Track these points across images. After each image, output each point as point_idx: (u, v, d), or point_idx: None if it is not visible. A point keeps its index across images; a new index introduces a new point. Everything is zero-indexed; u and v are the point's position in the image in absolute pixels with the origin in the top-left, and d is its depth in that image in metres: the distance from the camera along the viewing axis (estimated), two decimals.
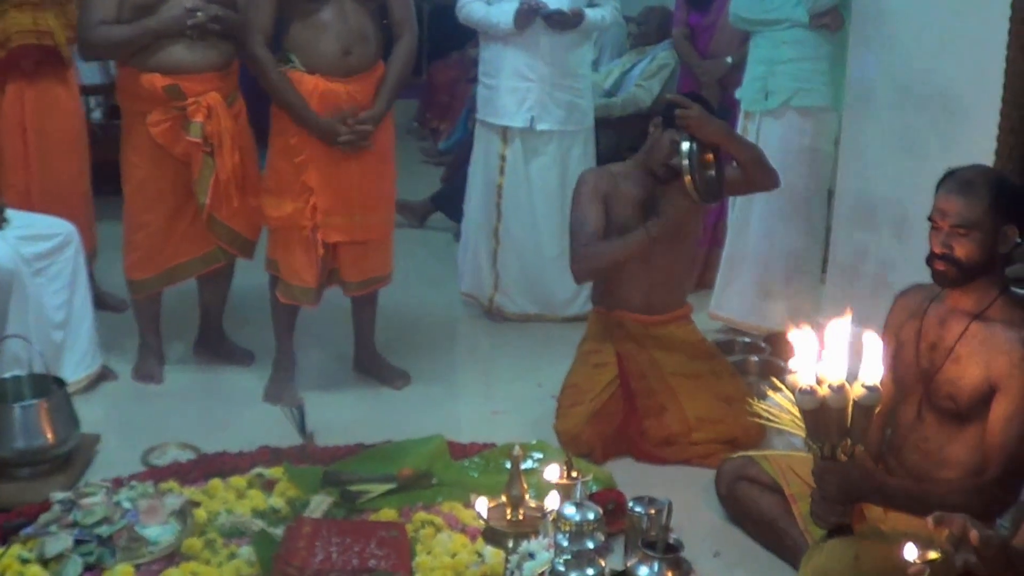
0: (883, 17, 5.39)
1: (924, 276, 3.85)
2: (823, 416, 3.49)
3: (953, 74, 4.91)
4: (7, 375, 4.88)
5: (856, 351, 3.57)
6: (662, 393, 5.05)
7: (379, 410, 5.45)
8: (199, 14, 5.17)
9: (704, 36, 7.37)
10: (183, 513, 4.26)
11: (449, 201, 8.02)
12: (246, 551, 4.11)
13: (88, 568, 3.97)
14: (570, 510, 3.36)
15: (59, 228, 5.35)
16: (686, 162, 4.78)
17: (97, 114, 8.64)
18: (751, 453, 4.54)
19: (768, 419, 3.88)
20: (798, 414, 3.61)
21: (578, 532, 3.33)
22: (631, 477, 4.75)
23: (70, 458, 4.71)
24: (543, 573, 3.36)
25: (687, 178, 4.79)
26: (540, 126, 6.43)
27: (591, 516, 3.35)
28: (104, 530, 4.08)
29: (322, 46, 5.14)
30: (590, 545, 3.33)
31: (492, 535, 3.73)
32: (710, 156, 4.92)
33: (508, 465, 3.78)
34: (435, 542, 4.17)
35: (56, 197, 5.81)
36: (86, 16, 5.21)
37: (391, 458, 4.75)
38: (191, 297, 5.93)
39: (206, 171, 5.29)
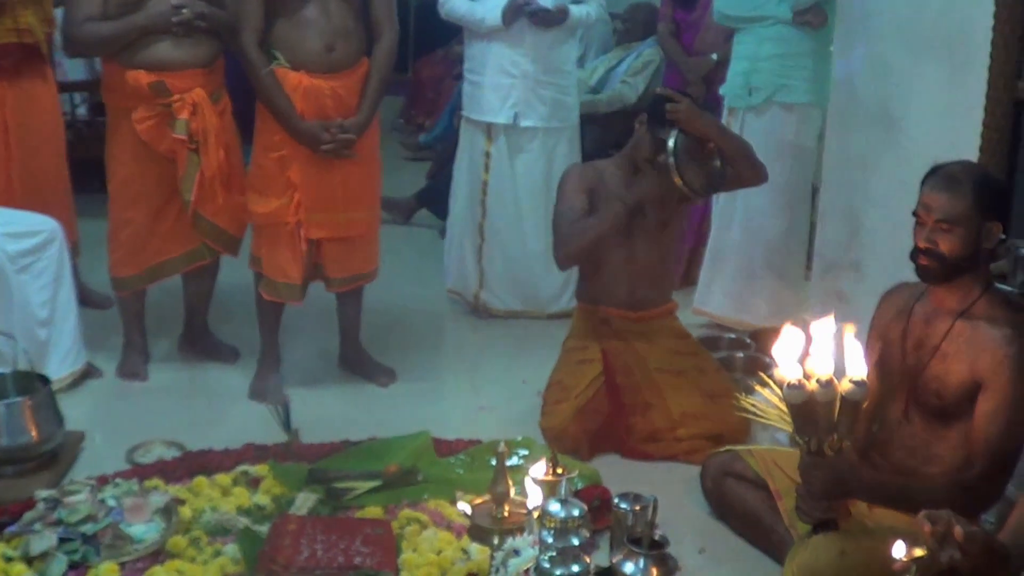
0: (867, 14, 5.39)
1: (909, 273, 3.86)
2: (810, 411, 3.50)
3: (937, 71, 4.91)
4: None
5: (843, 346, 3.58)
6: (647, 389, 5.06)
7: (364, 407, 5.45)
8: (185, 10, 5.15)
9: (689, 33, 7.38)
10: (168, 511, 4.25)
11: (434, 198, 8.02)
12: (231, 549, 4.10)
13: (73, 566, 3.95)
14: (555, 507, 3.36)
15: (43, 225, 5.33)
16: (672, 159, 4.79)
17: (82, 110, 8.63)
18: (736, 448, 4.54)
19: (755, 414, 3.88)
20: (785, 409, 3.62)
21: (563, 529, 3.33)
22: (617, 473, 4.75)
23: (55, 456, 4.70)
24: (528, 570, 3.37)
25: (675, 176, 4.81)
26: (524, 123, 6.42)
27: (576, 513, 3.35)
28: (89, 528, 4.07)
29: (306, 42, 5.14)
30: (575, 542, 3.33)
31: (478, 532, 3.74)
32: (711, 147, 4.93)
33: (494, 462, 3.78)
34: (421, 539, 4.17)
35: (37, 193, 5.79)
36: (72, 12, 5.20)
37: (377, 455, 4.75)
38: (176, 294, 5.92)
39: (191, 168, 5.28)
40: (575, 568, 3.30)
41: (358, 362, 5.79)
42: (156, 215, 5.45)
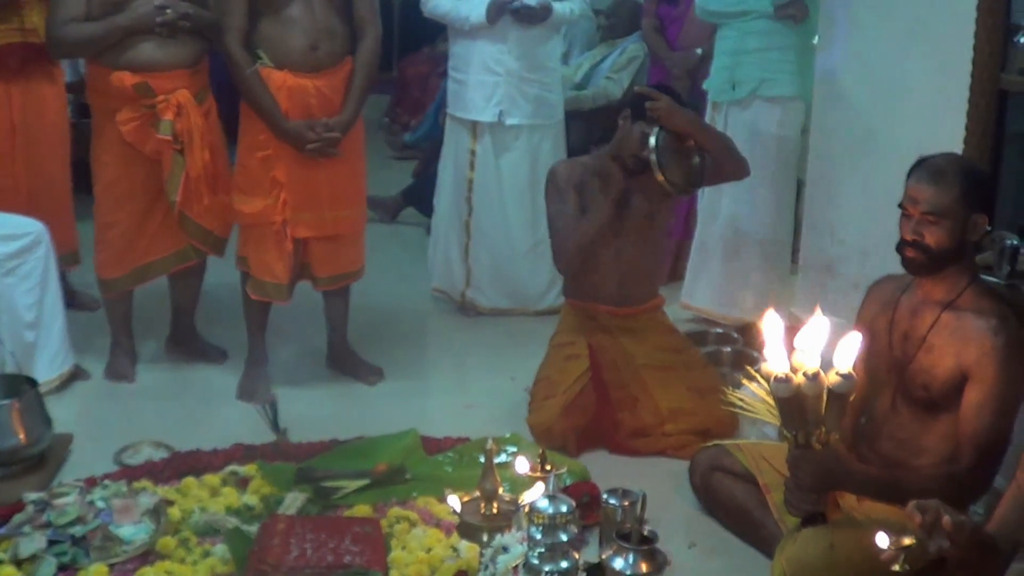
0: (850, 7, 5.40)
1: (895, 265, 3.87)
2: (798, 404, 3.50)
3: (921, 64, 4.92)
4: None
5: (830, 340, 3.58)
6: (634, 385, 5.06)
7: (352, 406, 5.45)
8: (169, 11, 5.14)
9: (673, 28, 7.38)
10: (157, 512, 4.24)
11: (420, 196, 8.02)
12: (220, 549, 4.10)
13: (62, 568, 3.95)
14: (543, 503, 3.36)
15: (29, 228, 5.32)
16: (654, 155, 4.81)
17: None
18: (724, 443, 4.55)
19: (743, 408, 3.88)
20: (773, 403, 3.62)
21: (551, 525, 3.33)
22: (605, 469, 4.75)
23: (43, 458, 4.69)
24: (517, 566, 3.37)
25: (657, 172, 4.82)
26: (509, 120, 6.42)
27: (564, 509, 3.35)
28: (78, 530, 4.07)
29: (290, 41, 5.14)
30: (564, 538, 3.33)
31: (466, 529, 3.74)
32: (691, 143, 4.94)
33: (482, 459, 3.78)
34: (410, 537, 4.18)
35: (44, 196, 5.81)
36: (55, 14, 5.19)
37: (365, 454, 4.76)
38: (163, 295, 5.91)
39: (176, 169, 5.27)
40: (564, 564, 3.31)
41: (346, 361, 5.79)
42: (142, 216, 5.44)
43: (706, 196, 6.36)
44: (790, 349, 3.52)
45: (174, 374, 5.75)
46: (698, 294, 6.45)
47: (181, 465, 4.72)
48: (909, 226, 3.75)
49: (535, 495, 3.57)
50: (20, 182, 5.80)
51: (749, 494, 4.29)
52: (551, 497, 3.37)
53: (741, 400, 3.92)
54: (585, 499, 4.32)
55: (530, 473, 3.85)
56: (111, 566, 3.99)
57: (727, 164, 5.09)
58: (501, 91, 6.39)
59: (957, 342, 3.74)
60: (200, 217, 5.39)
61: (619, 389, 5.07)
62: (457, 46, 6.54)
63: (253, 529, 4.21)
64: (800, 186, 6.23)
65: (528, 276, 6.46)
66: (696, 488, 4.56)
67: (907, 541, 3.01)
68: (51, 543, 4.00)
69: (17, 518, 4.14)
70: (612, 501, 4.12)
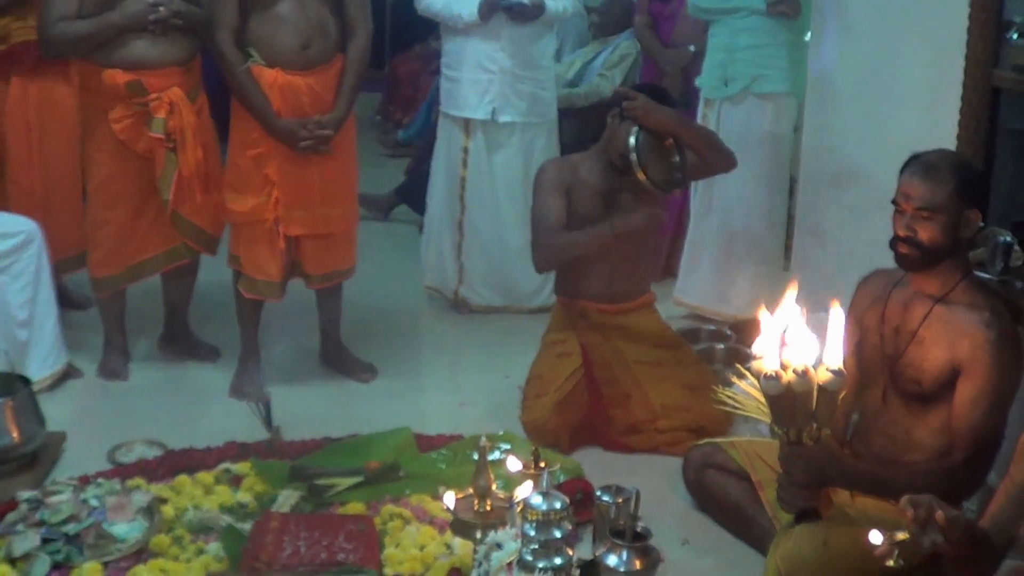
0: (843, 4, 5.40)
1: (888, 262, 3.88)
2: (788, 401, 3.49)
3: (913, 60, 4.92)
4: None
5: (820, 336, 3.58)
6: (626, 381, 5.07)
7: (346, 403, 5.46)
8: (161, 9, 5.14)
9: (666, 25, 7.38)
10: (150, 510, 4.24)
11: (413, 194, 8.01)
12: (214, 547, 4.10)
13: (56, 566, 3.95)
14: (536, 499, 3.36)
15: (21, 226, 5.31)
16: (634, 155, 4.82)
17: None
18: (718, 440, 4.55)
19: (734, 406, 3.88)
20: (763, 400, 3.62)
21: (545, 522, 3.33)
22: (599, 466, 4.76)
23: (36, 457, 4.68)
24: (511, 563, 3.37)
25: (638, 172, 4.83)
26: (502, 118, 6.43)
27: (558, 505, 3.35)
28: (71, 528, 4.07)
29: (281, 39, 5.14)
30: (557, 534, 3.33)
31: (460, 527, 3.74)
32: (669, 142, 4.95)
33: (475, 457, 3.78)
34: (403, 534, 4.18)
35: (57, 195, 5.80)
36: (47, 12, 5.16)
37: (358, 451, 4.76)
38: (156, 293, 5.90)
39: (169, 167, 5.27)
40: (557, 561, 3.31)
41: (339, 359, 5.79)
42: (135, 215, 5.43)
43: (699, 193, 6.37)
44: (782, 345, 3.52)
45: (167, 372, 5.75)
46: (691, 291, 6.47)
47: (174, 463, 4.72)
48: (902, 222, 3.76)
49: (527, 491, 3.58)
50: (35, 180, 5.80)
51: (743, 491, 4.30)
52: (544, 494, 3.37)
53: (732, 398, 3.92)
54: (579, 496, 4.32)
55: (523, 470, 3.86)
56: (105, 564, 3.98)
57: (712, 158, 5.10)
58: (494, 89, 6.40)
59: (949, 335, 3.74)
60: (193, 215, 5.39)
61: (611, 386, 5.08)
62: (450, 44, 6.54)
63: (247, 527, 4.21)
64: (793, 183, 6.23)
65: (521, 274, 6.45)
66: (689, 485, 4.57)
67: (900, 536, 3.01)
68: (45, 541, 4.00)
69: (10, 517, 4.14)
70: (605, 498, 4.12)
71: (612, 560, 3.77)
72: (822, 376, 3.46)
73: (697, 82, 6.45)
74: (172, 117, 5.21)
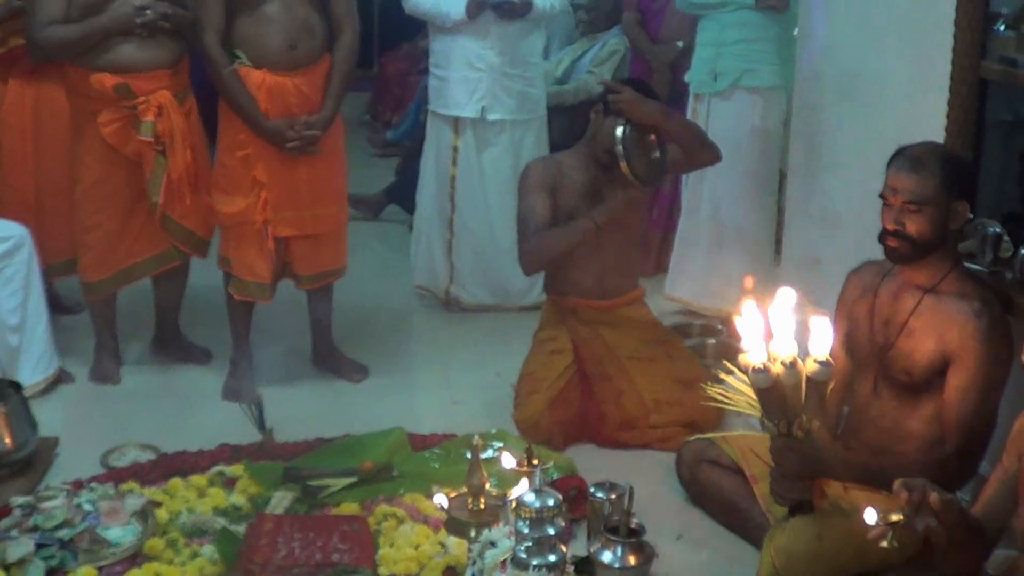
0: None
1: (877, 253, 3.88)
2: (777, 394, 3.50)
3: (901, 53, 4.92)
4: None
5: (807, 328, 3.58)
6: (618, 377, 5.07)
7: (338, 404, 5.45)
8: (148, 11, 5.13)
9: (654, 21, 7.37)
10: (144, 514, 4.24)
11: (403, 193, 8.00)
12: (208, 550, 4.09)
13: (50, 572, 3.94)
14: (530, 497, 3.36)
15: (11, 231, 5.30)
16: (620, 148, 4.82)
17: None
18: (711, 436, 4.56)
19: (723, 401, 3.88)
20: (752, 394, 3.62)
21: (538, 519, 3.34)
22: (592, 463, 4.76)
23: (29, 462, 4.68)
24: (505, 561, 3.37)
25: (622, 165, 4.83)
26: (492, 116, 6.42)
27: (551, 502, 3.36)
28: (65, 533, 4.07)
29: (268, 40, 5.14)
30: (551, 531, 3.34)
31: (454, 525, 3.74)
32: (653, 138, 4.95)
33: (469, 455, 3.79)
34: (398, 534, 4.17)
35: (52, 199, 5.76)
36: (34, 16, 5.15)
37: (351, 452, 4.74)
38: (146, 297, 5.90)
39: (158, 170, 5.26)
40: (552, 558, 3.31)
41: (331, 359, 5.79)
42: (124, 218, 5.43)
43: (689, 188, 6.38)
44: (768, 338, 3.52)
45: (159, 375, 5.74)
46: (681, 286, 6.47)
47: (168, 466, 4.71)
48: (890, 216, 3.77)
49: (523, 489, 3.58)
50: (28, 185, 5.78)
51: (736, 485, 4.30)
52: (537, 491, 3.38)
53: (721, 392, 3.93)
54: (573, 493, 4.32)
55: (517, 468, 3.86)
56: (99, 569, 3.98)
57: (697, 152, 5.10)
58: (483, 86, 6.40)
59: (939, 326, 3.76)
60: (182, 218, 5.39)
61: (603, 382, 5.08)
62: (438, 42, 6.53)
63: (241, 529, 4.21)
64: (782, 177, 6.24)
65: (512, 272, 6.40)
66: (683, 480, 4.57)
67: (895, 517, 3.02)
68: (39, 547, 3.98)
69: (4, 523, 4.13)
70: (599, 494, 4.13)
71: (607, 556, 3.77)
72: (810, 367, 3.46)
73: (686, 77, 6.45)
74: (161, 120, 5.20)
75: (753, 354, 3.48)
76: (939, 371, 3.78)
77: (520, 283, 6.49)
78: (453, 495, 3.76)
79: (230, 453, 4.81)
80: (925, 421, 3.85)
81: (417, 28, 9.22)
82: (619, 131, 4.85)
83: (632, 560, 3.79)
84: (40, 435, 4.75)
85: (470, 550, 3.59)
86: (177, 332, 5.92)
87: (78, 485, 4.47)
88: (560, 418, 4.99)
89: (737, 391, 3.78)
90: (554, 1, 6.45)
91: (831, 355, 3.44)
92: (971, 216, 3.95)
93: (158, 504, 4.37)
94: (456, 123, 6.48)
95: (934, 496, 2.97)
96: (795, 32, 5.92)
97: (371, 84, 11.61)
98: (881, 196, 3.81)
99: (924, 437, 3.85)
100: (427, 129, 6.74)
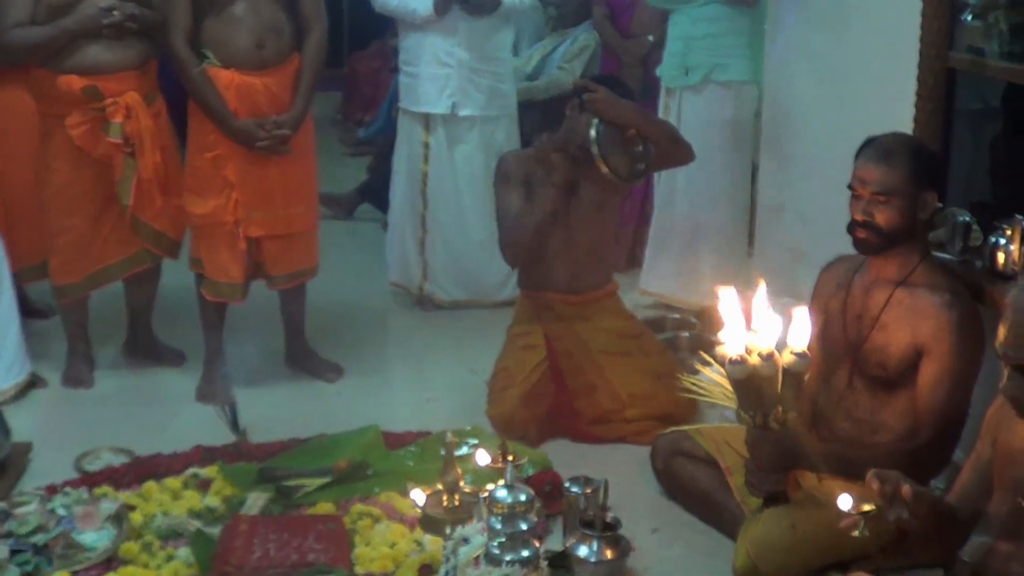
0: None
1: (848, 245, 3.89)
2: (754, 385, 3.51)
3: (869, 44, 4.93)
4: None
5: (784, 319, 3.59)
6: (592, 372, 5.07)
7: (313, 404, 5.44)
8: (115, 12, 5.11)
9: (624, 16, 7.38)
10: (119, 517, 4.22)
11: (376, 191, 8.00)
12: (184, 552, 4.08)
13: None
14: (502, 493, 3.36)
15: None
16: (596, 148, 4.83)
17: None
18: (685, 428, 4.56)
19: (699, 393, 3.89)
20: (728, 386, 3.63)
21: (511, 514, 3.34)
22: (567, 458, 4.75)
23: (2, 468, 4.65)
24: (478, 557, 3.37)
25: (600, 164, 4.84)
26: (462, 112, 6.42)
27: (523, 498, 3.36)
28: (40, 538, 4.04)
29: (236, 40, 5.13)
30: (523, 527, 3.34)
31: (430, 523, 3.75)
32: (632, 132, 4.95)
33: (444, 452, 3.79)
34: (374, 533, 4.16)
35: (19, 204, 5.72)
36: (0, 20, 5.14)
37: (326, 451, 4.73)
38: (119, 300, 5.87)
39: (128, 172, 5.24)
40: (524, 553, 3.32)
41: (305, 359, 5.78)
42: (95, 221, 5.40)
43: (662, 182, 6.38)
44: (747, 329, 3.53)
45: (132, 378, 5.72)
46: (656, 280, 6.47)
47: (142, 470, 4.69)
48: (859, 207, 3.79)
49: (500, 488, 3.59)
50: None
51: (711, 477, 4.31)
52: (510, 487, 3.38)
53: (697, 385, 3.93)
54: (548, 488, 4.33)
55: (491, 464, 3.86)
56: (74, 573, 3.96)
57: (671, 150, 5.11)
58: (454, 83, 6.39)
59: (911, 319, 3.77)
60: (153, 220, 5.37)
61: (577, 377, 5.08)
62: (407, 40, 6.53)
63: (216, 531, 4.19)
64: (755, 170, 6.24)
65: (485, 267, 6.45)
66: (658, 473, 4.57)
67: (867, 507, 3.04)
68: (13, 553, 3.96)
69: None
70: (574, 489, 4.12)
71: (583, 551, 3.77)
72: (787, 359, 3.47)
73: (658, 72, 6.45)
74: (129, 121, 5.19)
75: (730, 346, 3.49)
76: (913, 365, 3.81)
77: (494, 278, 6.49)
78: (428, 492, 3.76)
79: (204, 455, 4.79)
80: (899, 414, 3.87)
81: (387, 25, 9.22)
82: (593, 131, 4.85)
83: (608, 554, 3.79)
84: (13, 440, 4.73)
85: (445, 547, 3.59)
86: (150, 335, 5.89)
87: (52, 490, 4.45)
88: (534, 413, 5.00)
89: (713, 383, 3.79)
90: None
91: (807, 348, 3.45)
92: (940, 205, 3.97)
93: (132, 507, 4.35)
94: (427, 120, 6.47)
95: (906, 488, 2.99)
96: (766, 25, 5.92)
97: (342, 83, 11.58)
98: (850, 187, 3.83)
99: (899, 429, 3.87)
100: (398, 126, 6.73)
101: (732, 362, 3.48)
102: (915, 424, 3.82)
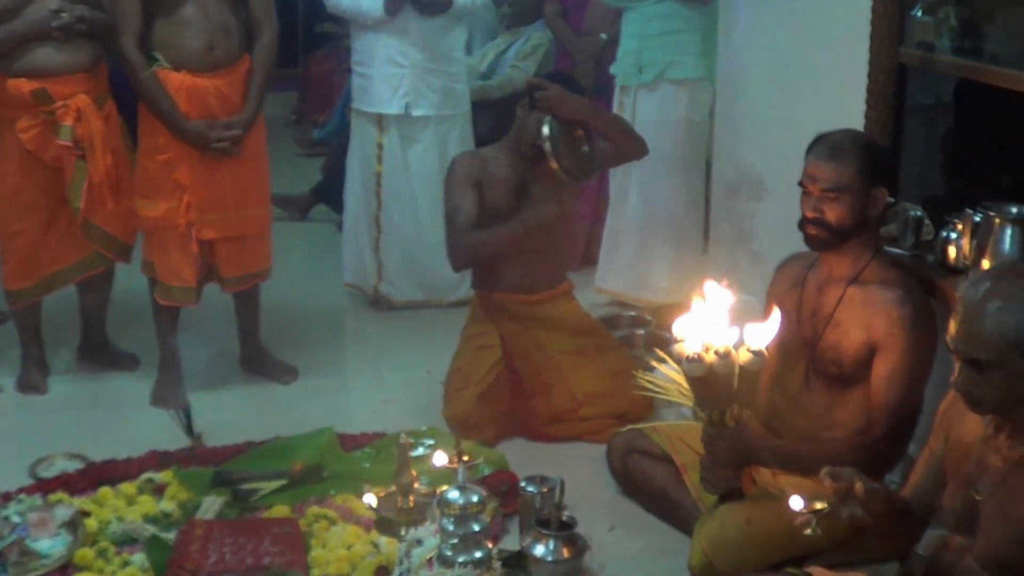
0: None
1: (801, 243, 3.90)
2: (710, 383, 3.52)
3: (820, 40, 4.95)
4: None
5: (740, 318, 3.60)
6: (547, 371, 5.07)
7: (267, 407, 5.43)
8: (64, 15, 5.08)
9: (577, 13, 7.38)
10: (74, 524, 4.19)
11: (330, 192, 8.00)
12: (139, 558, 4.06)
13: None
14: (453, 494, 3.35)
15: None
16: (548, 145, 4.82)
17: None
18: (641, 426, 4.57)
19: (654, 391, 3.89)
20: (684, 384, 3.64)
21: (463, 515, 3.33)
22: (524, 458, 4.76)
23: None
24: (431, 559, 3.36)
25: (552, 161, 4.84)
26: (416, 112, 6.42)
27: (475, 499, 3.35)
28: None
29: (186, 42, 5.11)
30: (476, 528, 3.33)
31: (384, 525, 3.73)
32: (580, 132, 4.96)
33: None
34: (330, 535, 4.15)
35: None
36: None
37: (281, 454, 4.72)
38: (72, 304, 5.84)
39: (79, 175, 5.21)
40: (477, 554, 3.31)
41: (259, 362, 5.76)
42: (46, 225, 5.36)
43: (616, 180, 6.39)
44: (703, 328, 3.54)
45: (87, 384, 5.69)
46: (611, 278, 6.48)
47: (96, 475, 4.66)
48: (809, 203, 3.80)
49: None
50: None
51: (667, 475, 4.32)
52: (461, 488, 3.37)
53: (652, 383, 3.93)
54: (504, 488, 4.34)
55: (448, 465, 3.85)
56: None
57: (624, 146, 5.13)
58: (407, 83, 6.38)
59: (864, 315, 3.79)
60: (105, 223, 5.34)
61: (532, 376, 5.08)
62: (360, 40, 6.52)
63: (172, 536, 4.17)
64: (709, 167, 6.25)
65: (440, 268, 6.38)
66: (614, 471, 4.58)
67: (819, 505, 3.06)
68: None
69: None
70: (530, 488, 4.13)
71: (539, 550, 3.78)
72: (743, 357, 3.48)
73: (612, 69, 6.46)
74: (80, 124, 5.16)
75: (687, 343, 3.49)
76: (867, 361, 3.83)
77: (449, 279, 6.48)
78: (383, 494, 3.75)
79: (159, 460, 4.76)
80: (854, 410, 3.89)
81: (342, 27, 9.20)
82: (546, 128, 4.85)
83: (565, 553, 3.80)
84: None
85: (399, 549, 3.58)
86: (104, 339, 5.86)
87: (6, 497, 4.42)
88: (490, 413, 4.99)
89: (669, 380, 3.80)
90: None
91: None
92: (892, 201, 3.99)
93: (87, 514, 4.32)
94: (380, 120, 6.46)
95: (859, 485, 3.01)
96: (719, 22, 5.93)
97: (297, 84, 11.55)
98: (800, 184, 3.84)
99: (854, 425, 3.89)
100: (352, 127, 6.72)
101: (689, 360, 3.48)
102: (870, 420, 3.84)
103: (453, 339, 5.36)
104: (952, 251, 4.06)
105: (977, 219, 3.92)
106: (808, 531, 3.08)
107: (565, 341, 5.15)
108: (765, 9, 5.33)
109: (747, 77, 5.50)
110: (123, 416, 5.34)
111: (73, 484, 4.60)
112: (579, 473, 4.57)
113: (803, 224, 3.83)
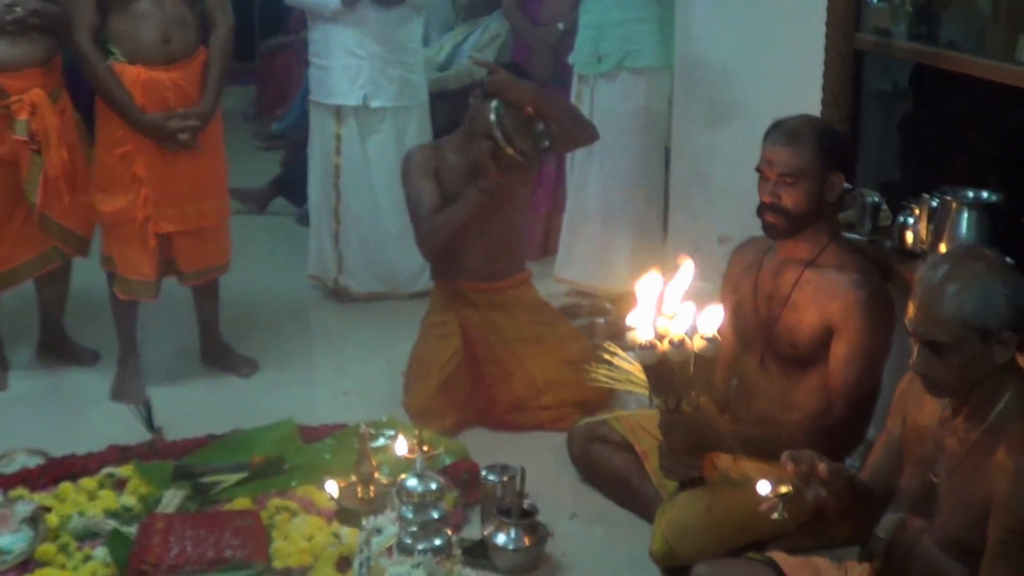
0: None
1: (759, 228, 3.91)
2: (665, 370, 3.51)
3: (777, 26, 4.97)
4: None
5: (698, 304, 3.60)
6: (507, 359, 5.08)
7: (228, 400, 5.41)
8: (17, 8, 5.05)
9: (534, 3, 7.38)
10: (34, 519, 4.17)
11: (289, 185, 7.99)
12: (101, 552, 4.06)
13: None
14: (412, 482, 3.35)
15: None
16: (498, 132, 4.82)
17: None
18: (601, 416, 4.57)
19: (608, 381, 3.89)
20: (639, 372, 3.64)
21: (422, 503, 3.32)
22: (485, 447, 4.77)
23: None
24: (391, 547, 3.36)
25: (504, 147, 4.83)
26: (374, 103, 6.40)
27: (433, 486, 3.34)
28: None
29: (141, 35, 5.08)
30: (435, 515, 3.32)
31: (345, 515, 3.74)
32: (530, 110, 4.94)
33: None
34: (291, 527, 4.14)
35: None
36: None
37: (242, 447, 4.72)
38: (30, 300, 5.81)
39: (35, 169, 5.19)
40: (436, 541, 3.30)
41: (219, 355, 5.74)
42: (3, 221, 5.34)
43: (575, 169, 6.39)
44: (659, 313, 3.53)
45: (46, 379, 5.66)
46: (571, 267, 6.49)
47: (57, 471, 4.64)
48: (767, 188, 3.81)
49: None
50: None
51: (627, 462, 4.33)
52: (420, 476, 3.36)
53: (608, 371, 3.93)
54: (465, 477, 4.35)
55: (409, 455, 3.85)
56: None
57: (574, 130, 5.13)
58: (365, 74, 6.37)
59: (820, 298, 3.81)
60: (62, 217, 5.31)
61: (492, 364, 5.09)
62: (317, 32, 6.50)
63: (133, 530, 4.17)
64: (668, 156, 6.26)
65: (400, 259, 6.44)
66: (575, 459, 4.59)
67: (784, 489, 3.06)
68: None
69: None
70: (491, 477, 4.14)
71: (500, 539, 3.79)
72: (697, 344, 3.48)
73: (570, 59, 6.47)
74: (35, 118, 5.14)
75: (640, 331, 3.49)
76: (823, 343, 3.84)
77: (409, 270, 6.49)
78: (343, 484, 3.75)
79: (119, 454, 4.74)
80: (811, 392, 3.90)
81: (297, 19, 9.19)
82: (492, 115, 4.85)
83: (526, 541, 3.81)
84: None
85: (359, 538, 3.58)
86: (63, 334, 5.83)
87: None
88: (451, 402, 5.00)
89: (625, 369, 3.80)
90: None
91: (719, 331, 3.46)
92: (849, 186, 4.00)
93: (48, 509, 4.30)
94: (338, 112, 6.45)
95: (822, 466, 3.02)
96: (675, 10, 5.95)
97: (255, 78, 11.50)
98: (758, 169, 3.85)
99: (811, 407, 3.90)
100: (310, 119, 6.70)
101: (642, 347, 3.48)
102: (828, 402, 3.86)
103: (413, 330, 5.36)
104: (909, 236, 4.09)
105: (934, 204, 3.95)
106: (775, 515, 3.09)
107: (525, 329, 5.15)
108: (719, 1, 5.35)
109: (705, 65, 5.52)
110: (83, 411, 5.32)
111: (34, 480, 4.57)
112: (540, 461, 4.58)
113: (761, 211, 3.84)
